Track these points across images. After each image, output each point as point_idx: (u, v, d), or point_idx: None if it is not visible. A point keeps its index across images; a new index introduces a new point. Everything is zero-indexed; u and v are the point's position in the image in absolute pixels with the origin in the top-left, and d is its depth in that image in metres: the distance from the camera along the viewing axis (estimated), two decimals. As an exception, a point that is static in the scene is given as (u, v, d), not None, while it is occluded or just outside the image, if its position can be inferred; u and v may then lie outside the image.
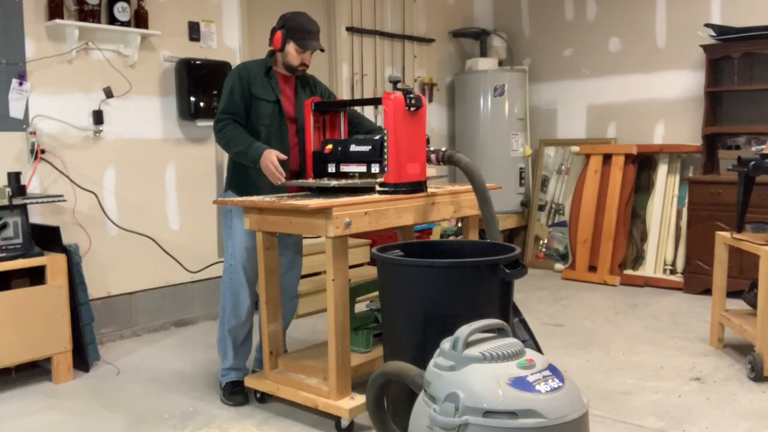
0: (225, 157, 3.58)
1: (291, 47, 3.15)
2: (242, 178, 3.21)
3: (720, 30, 5.23)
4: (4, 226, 3.36)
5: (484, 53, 6.53)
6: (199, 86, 4.42)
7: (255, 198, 3.00)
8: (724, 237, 3.75)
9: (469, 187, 3.09)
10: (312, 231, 2.79)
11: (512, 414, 1.78)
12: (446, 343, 2.01)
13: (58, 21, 3.84)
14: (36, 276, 3.49)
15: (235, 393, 3.20)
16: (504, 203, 6.00)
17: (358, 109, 3.52)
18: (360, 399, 2.79)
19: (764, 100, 5.20)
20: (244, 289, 3.21)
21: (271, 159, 2.99)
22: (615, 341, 4.03)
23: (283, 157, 3.03)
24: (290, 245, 3.39)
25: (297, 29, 3.14)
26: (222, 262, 3.37)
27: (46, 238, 3.61)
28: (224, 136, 3.14)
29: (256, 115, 3.17)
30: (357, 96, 5.56)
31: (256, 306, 3.33)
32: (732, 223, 3.89)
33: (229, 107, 3.15)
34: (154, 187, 4.43)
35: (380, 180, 2.96)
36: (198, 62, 4.44)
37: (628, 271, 5.59)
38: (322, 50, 3.24)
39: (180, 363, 3.80)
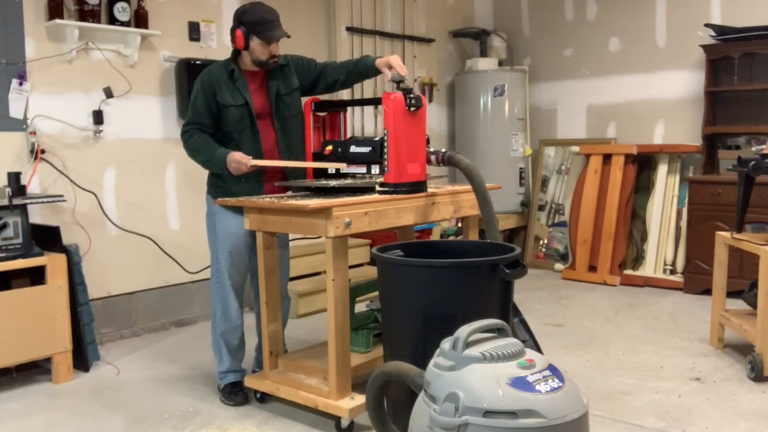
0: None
1: (255, 43, 3.02)
2: (220, 183, 3.17)
3: (720, 30, 5.23)
4: (4, 226, 3.36)
5: (484, 53, 6.52)
6: (199, 86, 4.41)
7: (255, 198, 3.00)
8: (724, 237, 3.75)
9: (469, 187, 3.09)
10: (312, 231, 2.79)
11: (512, 414, 1.78)
12: (446, 343, 2.01)
13: (58, 21, 3.84)
14: (36, 276, 3.49)
15: (235, 393, 3.20)
16: (504, 203, 6.00)
17: (357, 109, 3.50)
18: (360, 399, 2.79)
19: (764, 100, 5.20)
20: (231, 292, 3.20)
21: (234, 158, 2.97)
22: (615, 341, 4.03)
23: (247, 157, 3.00)
24: (278, 242, 3.36)
25: (256, 22, 2.99)
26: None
27: (46, 238, 3.61)
28: (190, 146, 3.12)
29: (226, 123, 3.11)
30: (357, 96, 5.55)
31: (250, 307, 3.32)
32: (732, 223, 3.89)
33: (194, 118, 3.11)
34: (154, 187, 4.43)
35: (380, 180, 2.95)
36: (198, 62, 4.42)
37: (628, 271, 5.58)
38: (288, 36, 3.08)
39: (180, 363, 3.80)
